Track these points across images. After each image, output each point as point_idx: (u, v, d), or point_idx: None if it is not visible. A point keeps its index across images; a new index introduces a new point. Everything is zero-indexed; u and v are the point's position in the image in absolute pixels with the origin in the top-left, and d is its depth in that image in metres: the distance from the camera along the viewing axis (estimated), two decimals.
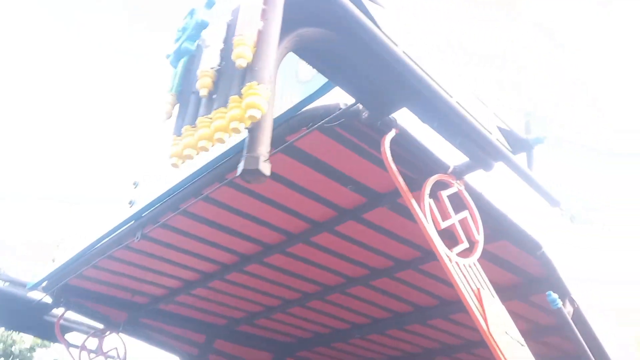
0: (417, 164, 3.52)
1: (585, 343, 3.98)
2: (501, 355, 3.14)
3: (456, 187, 3.57)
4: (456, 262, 3.25)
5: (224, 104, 1.81)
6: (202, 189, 4.16)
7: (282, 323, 7.27)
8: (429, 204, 3.27)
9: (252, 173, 1.90)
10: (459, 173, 3.57)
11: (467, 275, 3.28)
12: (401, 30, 2.57)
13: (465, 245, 3.38)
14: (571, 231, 5.24)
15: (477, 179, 3.88)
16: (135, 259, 5.63)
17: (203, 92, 1.89)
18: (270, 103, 2.00)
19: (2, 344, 15.13)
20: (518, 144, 3.30)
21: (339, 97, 3.31)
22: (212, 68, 1.90)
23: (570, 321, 3.87)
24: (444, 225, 3.32)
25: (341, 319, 7.02)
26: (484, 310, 3.21)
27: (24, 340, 15.64)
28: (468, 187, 3.65)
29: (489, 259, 4.93)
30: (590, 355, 3.91)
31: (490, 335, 3.14)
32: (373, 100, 3.02)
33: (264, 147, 1.93)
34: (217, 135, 1.81)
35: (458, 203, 3.60)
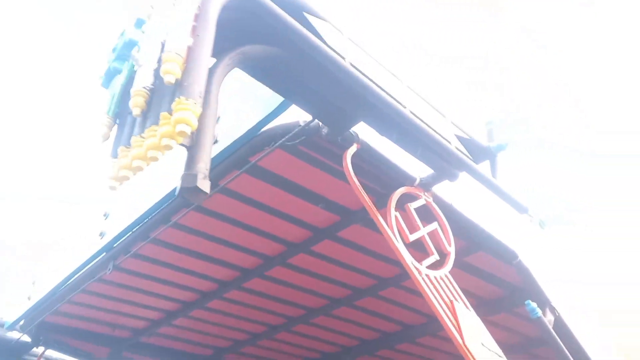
0: (382, 177, 3.48)
1: (569, 352, 3.90)
2: None
3: (424, 199, 3.52)
4: (426, 275, 3.19)
5: (156, 121, 1.77)
6: (171, 216, 4.09)
7: (269, 350, 7.12)
8: (395, 217, 3.22)
9: (191, 191, 1.84)
10: (426, 185, 3.53)
11: (439, 287, 3.22)
12: (348, 42, 2.54)
13: (435, 257, 3.33)
14: (553, 234, 5.18)
15: (449, 190, 3.85)
16: (112, 292, 5.52)
17: (136, 112, 1.85)
18: (208, 119, 1.96)
19: None
20: (480, 152, 3.27)
21: (300, 114, 3.28)
22: (145, 87, 1.86)
23: (551, 330, 3.79)
24: (412, 238, 3.26)
25: (330, 342, 6.89)
26: (458, 323, 3.14)
27: None
28: (437, 199, 3.62)
29: (468, 271, 4.90)
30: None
31: (466, 347, 3.06)
32: (330, 116, 2.99)
33: (202, 164, 1.88)
34: (150, 154, 1.76)
35: (428, 215, 3.56)
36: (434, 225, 3.46)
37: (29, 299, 5.84)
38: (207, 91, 2.09)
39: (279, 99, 3.11)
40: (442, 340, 6.38)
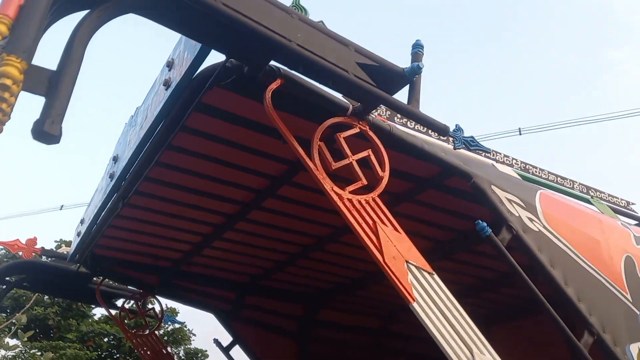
0: (315, 110, 3.61)
1: (528, 271, 3.93)
2: (397, 283, 3.25)
3: (358, 127, 3.63)
4: (349, 199, 3.36)
5: None
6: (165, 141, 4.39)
7: (298, 276, 7.63)
8: (319, 146, 3.38)
9: (40, 134, 2.19)
10: (360, 113, 3.62)
11: (363, 210, 3.38)
12: None
13: (363, 182, 3.47)
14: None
15: None
16: (139, 227, 6.16)
17: None
18: (68, 69, 2.27)
19: None
20: (397, 78, 3.30)
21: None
22: None
23: (503, 248, 3.82)
24: (336, 165, 3.42)
25: (354, 269, 7.25)
26: (379, 243, 3.32)
27: None
28: (375, 127, 3.69)
29: (430, 203, 5.03)
30: (530, 284, 3.86)
31: (386, 265, 3.25)
32: (240, 54, 3.17)
33: (54, 110, 2.21)
34: None
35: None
36: (365, 153, 3.58)
37: (78, 235, 6.72)
38: (70, 44, 2.41)
39: None
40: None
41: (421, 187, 5.00)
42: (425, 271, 3.43)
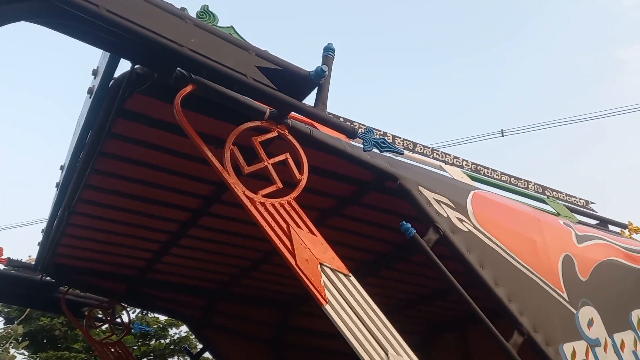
0: (234, 115, 3.62)
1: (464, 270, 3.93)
2: (309, 285, 3.25)
3: (276, 131, 3.63)
4: (261, 203, 3.37)
5: None
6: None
7: (268, 282, 7.61)
8: (231, 151, 3.39)
9: None
10: (278, 117, 3.63)
11: (276, 214, 3.38)
12: None
13: (279, 186, 3.47)
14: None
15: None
16: (98, 236, 6.17)
17: None
18: None
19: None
20: (303, 82, 3.31)
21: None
22: None
23: (428, 249, 3.81)
24: (250, 169, 3.43)
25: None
26: (292, 246, 3.32)
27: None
28: (295, 130, 3.69)
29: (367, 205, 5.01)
30: (456, 284, 3.84)
31: (298, 267, 3.25)
32: (143, 61, 3.19)
33: None
34: None
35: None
36: (283, 156, 3.58)
37: (38, 244, 6.74)
38: None
39: None
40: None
41: (361, 192, 4.97)
42: (341, 273, 3.42)
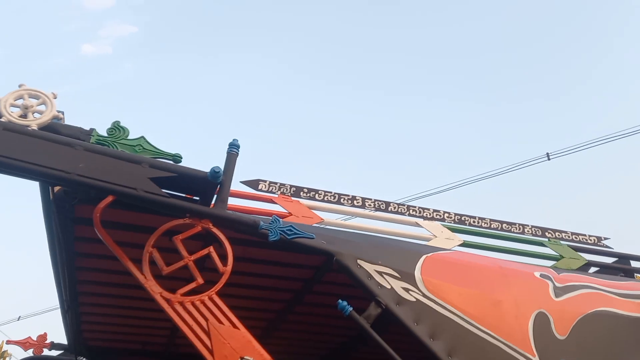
0: (152, 217, 3.77)
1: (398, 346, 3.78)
2: None
3: (200, 226, 3.75)
4: (179, 302, 3.48)
5: None
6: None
7: None
8: (149, 253, 3.55)
9: None
10: (200, 213, 3.75)
11: (196, 312, 3.47)
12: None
13: (199, 282, 3.57)
14: None
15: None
16: (115, 314, 6.50)
17: None
18: None
19: None
20: (205, 183, 3.43)
21: None
22: None
23: (367, 326, 3.71)
24: (169, 269, 3.56)
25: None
26: (211, 343, 3.39)
27: None
28: (220, 220, 3.78)
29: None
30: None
31: None
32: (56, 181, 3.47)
33: None
34: None
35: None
36: (206, 251, 3.69)
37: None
38: None
39: None
40: None
41: (316, 277, 4.93)
42: None
